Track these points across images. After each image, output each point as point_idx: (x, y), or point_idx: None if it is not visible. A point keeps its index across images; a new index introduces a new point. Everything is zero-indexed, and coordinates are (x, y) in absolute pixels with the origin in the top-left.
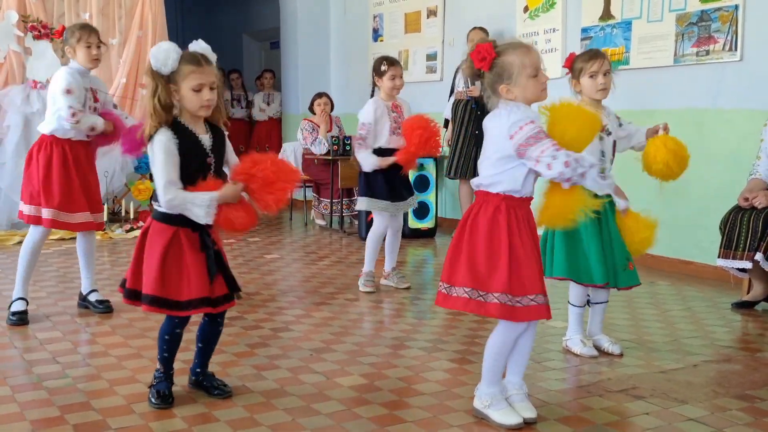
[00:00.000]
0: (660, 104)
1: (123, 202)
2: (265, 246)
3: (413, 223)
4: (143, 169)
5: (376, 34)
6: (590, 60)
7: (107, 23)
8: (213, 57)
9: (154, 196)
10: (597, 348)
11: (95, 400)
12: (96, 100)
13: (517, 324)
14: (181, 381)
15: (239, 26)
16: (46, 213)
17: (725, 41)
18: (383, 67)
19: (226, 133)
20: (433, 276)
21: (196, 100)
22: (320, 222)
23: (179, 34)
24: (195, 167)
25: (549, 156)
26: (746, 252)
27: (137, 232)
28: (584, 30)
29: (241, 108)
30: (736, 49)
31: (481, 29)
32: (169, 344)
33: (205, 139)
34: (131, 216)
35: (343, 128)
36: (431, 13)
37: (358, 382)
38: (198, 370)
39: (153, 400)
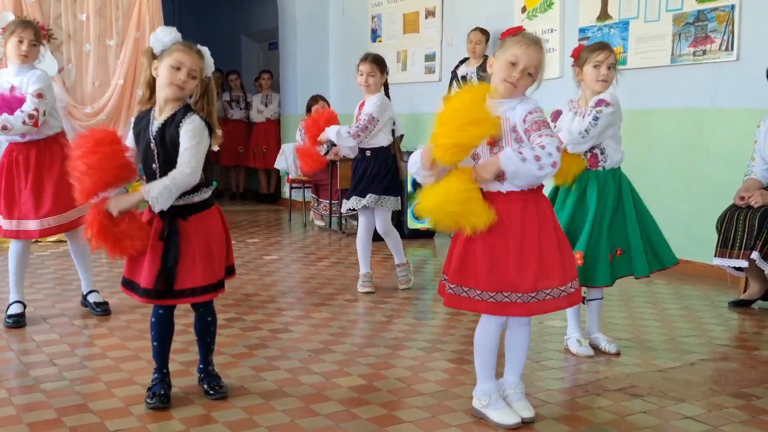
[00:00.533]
0: (657, 104)
1: None
2: (264, 247)
3: (412, 224)
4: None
5: (375, 35)
6: (597, 50)
7: (104, 24)
8: (208, 59)
9: None
10: (594, 347)
11: (92, 403)
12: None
13: (492, 318)
14: (178, 383)
15: (237, 27)
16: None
17: (722, 41)
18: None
19: (188, 118)
20: (432, 277)
21: (169, 76)
22: (319, 223)
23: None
24: (143, 154)
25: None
26: (742, 251)
27: None
28: (582, 30)
29: (240, 109)
30: (732, 49)
31: (481, 30)
32: (155, 328)
33: (155, 124)
34: None
35: None
36: (429, 13)
37: (356, 383)
38: (200, 365)
39: (148, 400)
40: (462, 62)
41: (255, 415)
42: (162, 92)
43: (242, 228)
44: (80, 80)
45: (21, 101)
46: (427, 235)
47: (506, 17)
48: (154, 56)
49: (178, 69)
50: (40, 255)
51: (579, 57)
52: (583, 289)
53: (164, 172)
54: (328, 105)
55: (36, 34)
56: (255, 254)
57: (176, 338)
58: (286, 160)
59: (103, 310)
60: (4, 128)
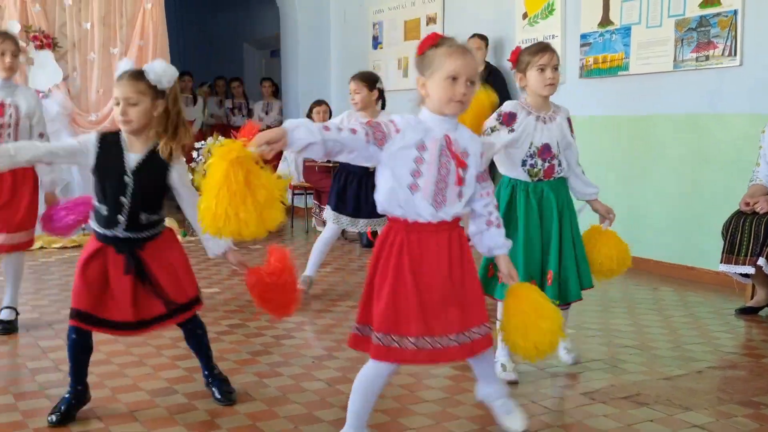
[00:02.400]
0: (660, 110)
1: None
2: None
3: None
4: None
5: (376, 42)
6: (539, 53)
7: (108, 33)
8: (162, 76)
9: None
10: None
11: (98, 408)
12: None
13: (382, 364)
14: (183, 389)
15: (240, 35)
16: None
17: (725, 46)
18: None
19: (175, 161)
20: None
21: (116, 112)
22: (321, 229)
23: (180, 43)
24: (111, 184)
25: None
26: (749, 257)
27: None
28: (583, 36)
29: (242, 116)
30: (735, 54)
31: (480, 37)
32: (70, 351)
33: (132, 157)
34: None
35: None
36: (430, 20)
37: None
38: (205, 372)
39: (49, 414)
40: None
41: (259, 422)
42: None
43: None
44: (85, 88)
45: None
46: None
47: (507, 24)
48: None
49: (118, 104)
50: (44, 261)
51: (519, 61)
52: None
53: (134, 209)
54: (330, 109)
55: (16, 45)
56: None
57: (179, 344)
58: (288, 167)
59: (4, 328)
60: None
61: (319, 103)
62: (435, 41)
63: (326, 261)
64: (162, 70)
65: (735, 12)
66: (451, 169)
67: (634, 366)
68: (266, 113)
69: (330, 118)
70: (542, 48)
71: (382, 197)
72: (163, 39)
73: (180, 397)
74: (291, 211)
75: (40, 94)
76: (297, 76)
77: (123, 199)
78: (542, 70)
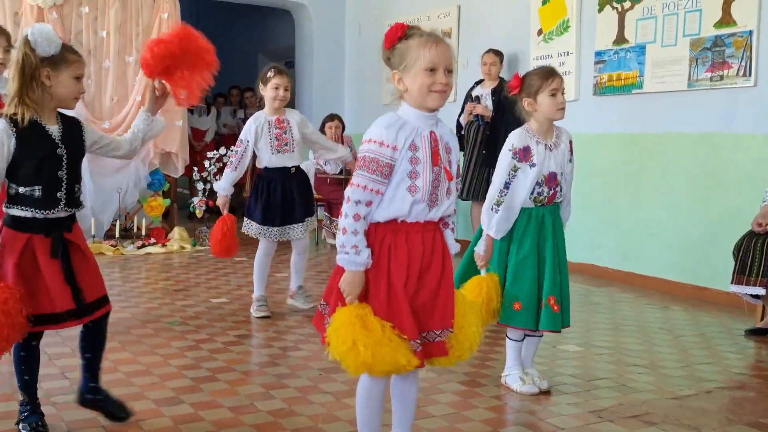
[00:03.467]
0: (673, 128)
1: (135, 219)
2: (275, 264)
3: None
4: (156, 185)
5: None
6: (549, 77)
7: (124, 41)
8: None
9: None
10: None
11: (103, 417)
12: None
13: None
14: (188, 399)
15: (255, 45)
16: None
17: (739, 66)
18: (269, 74)
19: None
20: None
21: (75, 89)
22: (331, 241)
23: None
24: (44, 160)
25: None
26: (760, 278)
27: (149, 249)
28: (598, 53)
29: None
30: (750, 75)
31: (495, 52)
32: (26, 362)
33: (54, 129)
34: (143, 233)
35: (354, 148)
36: (446, 34)
37: None
38: (90, 384)
39: None
40: (477, 83)
41: None
42: (66, 103)
43: (254, 244)
44: (99, 95)
45: None
46: None
47: (522, 40)
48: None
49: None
50: None
51: (527, 85)
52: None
53: (70, 182)
54: (343, 124)
55: (8, 39)
56: (240, 272)
57: (186, 354)
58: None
59: None
60: None
61: (332, 117)
62: (403, 32)
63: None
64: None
65: (750, 33)
66: (441, 167)
67: (643, 385)
68: None
69: (343, 131)
70: (551, 73)
71: (379, 206)
72: None
73: (186, 407)
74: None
75: None
76: (311, 89)
77: (60, 173)
78: (554, 94)
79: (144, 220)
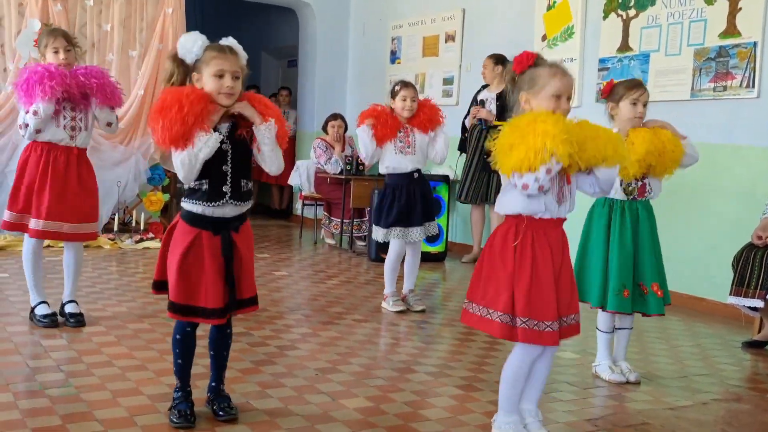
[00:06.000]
0: None
1: (134, 213)
2: (273, 263)
3: (423, 247)
4: (156, 180)
5: (394, 57)
6: (634, 88)
7: (128, 35)
8: (241, 51)
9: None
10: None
11: (98, 411)
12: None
13: (530, 348)
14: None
15: (258, 43)
16: (7, 216)
17: (743, 77)
18: (396, 88)
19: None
20: (441, 300)
21: (216, 86)
22: (330, 241)
23: None
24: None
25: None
26: (758, 290)
27: (147, 243)
28: (602, 60)
29: None
30: (753, 86)
31: (492, 56)
32: (181, 345)
33: (223, 128)
34: (141, 227)
35: (356, 148)
36: (449, 38)
37: (363, 405)
38: (212, 384)
39: (174, 419)
40: (484, 87)
41: None
42: (214, 98)
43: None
44: None
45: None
46: (438, 258)
47: (526, 44)
48: (183, 64)
49: (222, 77)
50: (50, 260)
51: (614, 92)
52: (616, 317)
53: (235, 172)
54: (345, 123)
55: (68, 39)
56: (264, 269)
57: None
58: (300, 177)
59: (77, 321)
60: (36, 113)
61: (335, 117)
62: (532, 61)
63: (333, 273)
64: (241, 51)
65: (755, 44)
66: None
67: (640, 395)
68: None
69: (345, 131)
70: (637, 84)
71: (522, 203)
72: None
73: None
74: (300, 221)
75: None
76: (314, 87)
77: (225, 167)
78: (635, 104)
79: (143, 215)
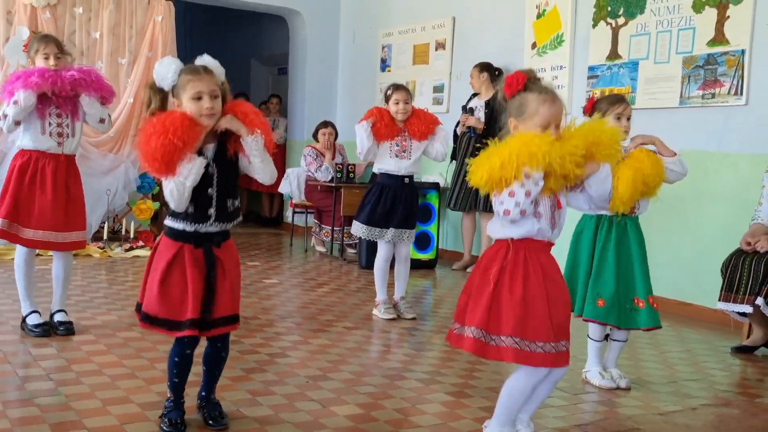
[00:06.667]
0: None
1: (124, 221)
2: (264, 270)
3: (414, 254)
4: (146, 188)
5: (384, 64)
6: (617, 103)
7: (117, 42)
8: (217, 68)
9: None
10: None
11: (87, 420)
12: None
13: (536, 370)
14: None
15: (248, 50)
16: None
17: (731, 85)
18: (389, 92)
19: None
20: (432, 307)
21: (195, 108)
22: (320, 249)
23: (188, 56)
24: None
25: (501, 199)
26: (747, 296)
27: (136, 252)
28: (591, 68)
29: None
30: (741, 94)
31: (478, 66)
32: (179, 367)
33: (209, 150)
34: (131, 235)
35: (346, 156)
36: (440, 45)
37: (354, 412)
38: (203, 393)
39: (164, 428)
40: (474, 95)
41: None
42: (197, 121)
43: (243, 250)
44: None
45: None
46: (428, 266)
47: (516, 53)
48: (160, 91)
49: (200, 99)
50: (39, 268)
51: (596, 108)
52: (608, 328)
53: (221, 195)
54: (336, 131)
55: (59, 46)
56: (255, 277)
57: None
58: (290, 185)
59: (66, 329)
60: (16, 102)
61: (326, 124)
62: (522, 85)
63: (324, 281)
64: (217, 68)
65: (743, 52)
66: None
67: (630, 400)
68: (272, 130)
69: (336, 139)
70: (620, 99)
71: (511, 229)
72: (171, 51)
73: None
74: (291, 229)
75: None
76: (304, 95)
77: (210, 190)
78: (619, 118)
79: (132, 223)
